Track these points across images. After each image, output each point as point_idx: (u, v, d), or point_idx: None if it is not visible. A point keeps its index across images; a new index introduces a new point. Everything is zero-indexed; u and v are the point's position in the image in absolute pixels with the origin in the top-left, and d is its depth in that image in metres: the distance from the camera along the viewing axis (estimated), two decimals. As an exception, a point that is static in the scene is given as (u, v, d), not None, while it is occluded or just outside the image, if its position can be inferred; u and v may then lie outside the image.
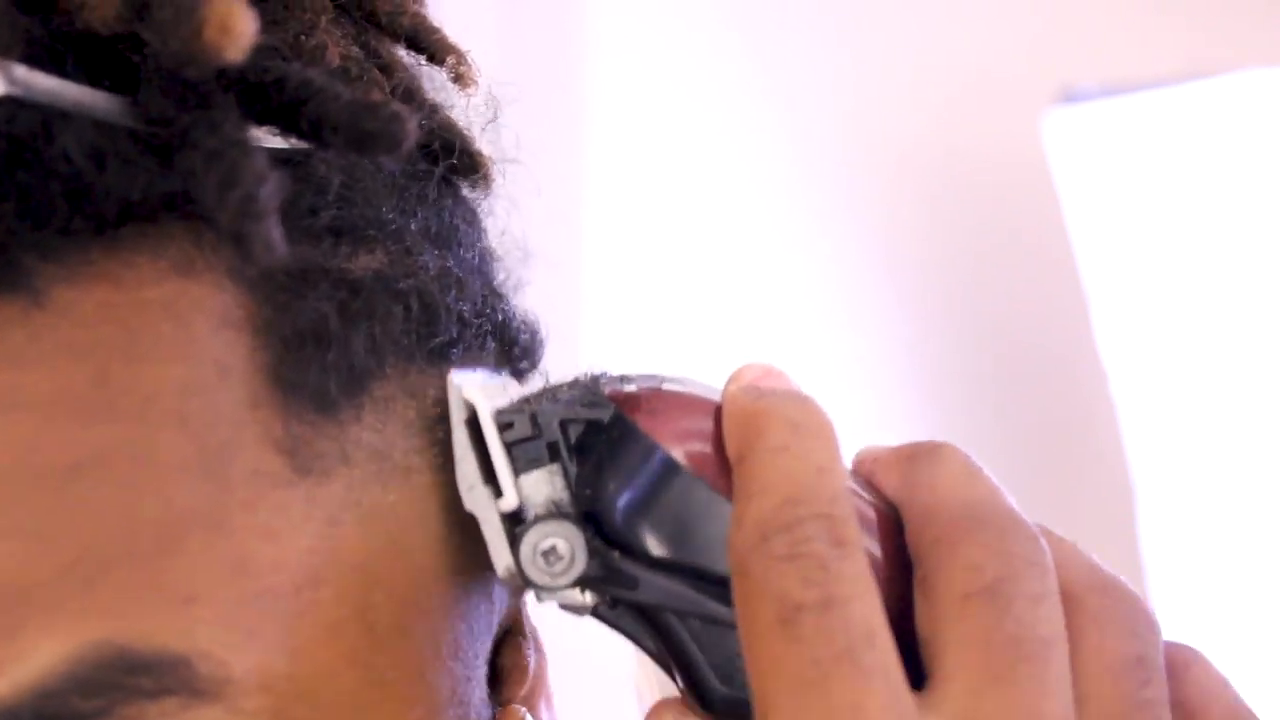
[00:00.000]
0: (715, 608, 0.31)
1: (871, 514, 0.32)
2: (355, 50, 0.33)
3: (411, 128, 0.28)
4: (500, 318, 0.35)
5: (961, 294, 1.51)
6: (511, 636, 0.35)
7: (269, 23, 0.30)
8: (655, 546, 0.31)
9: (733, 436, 0.31)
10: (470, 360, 0.34)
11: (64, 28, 0.28)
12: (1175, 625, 1.37)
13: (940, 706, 0.28)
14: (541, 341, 0.38)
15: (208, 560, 0.27)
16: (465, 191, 0.37)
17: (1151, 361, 1.39)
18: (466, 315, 0.33)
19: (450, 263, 0.34)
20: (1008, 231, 1.50)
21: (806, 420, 0.31)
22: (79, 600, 0.26)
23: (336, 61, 0.32)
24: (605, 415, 0.32)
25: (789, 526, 0.28)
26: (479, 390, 0.32)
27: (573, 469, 0.31)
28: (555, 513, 0.31)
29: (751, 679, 0.28)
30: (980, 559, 0.29)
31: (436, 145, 0.34)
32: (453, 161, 0.35)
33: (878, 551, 0.31)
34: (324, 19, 0.32)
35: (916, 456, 0.32)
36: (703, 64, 1.42)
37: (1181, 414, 1.39)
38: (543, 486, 0.31)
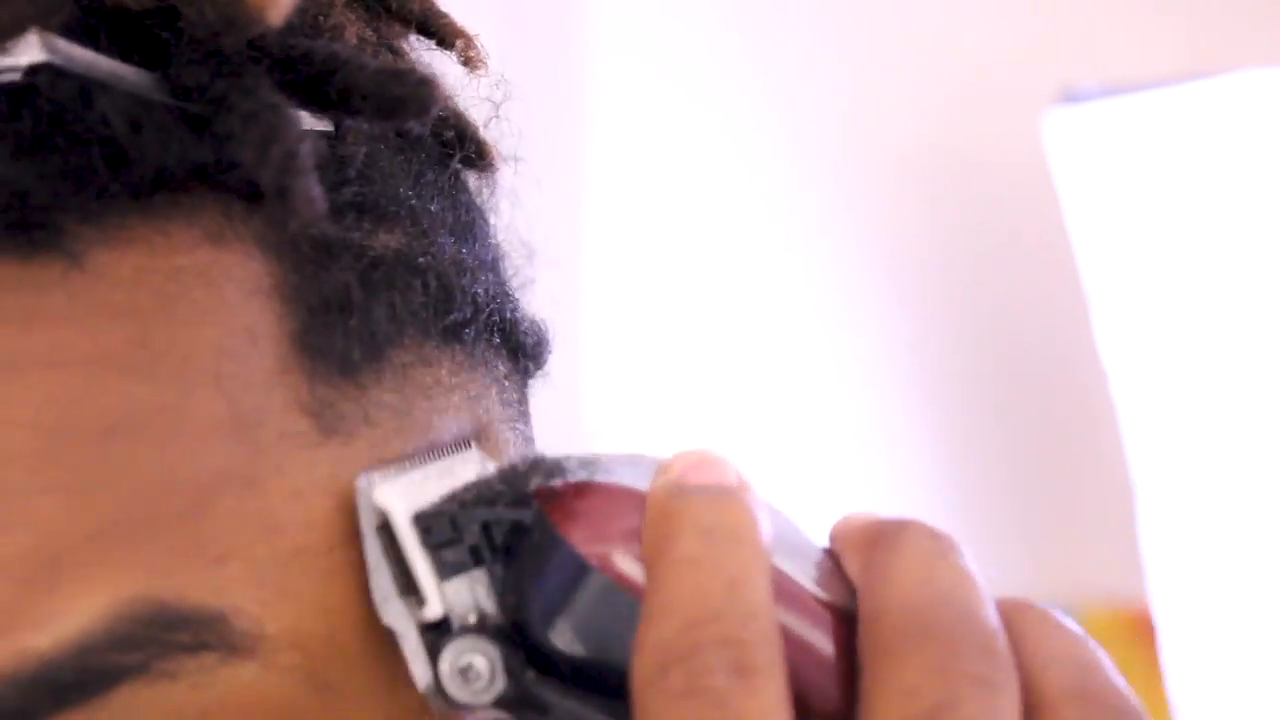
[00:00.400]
0: None
1: (825, 613, 0.29)
2: (369, 33, 0.33)
3: (439, 93, 0.28)
4: (509, 316, 0.36)
5: (961, 294, 1.51)
6: None
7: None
8: (575, 665, 0.29)
9: (646, 542, 0.28)
10: (479, 347, 0.34)
11: (95, 3, 0.28)
12: (1175, 625, 1.38)
13: None
14: (549, 345, 0.38)
15: (240, 519, 0.27)
16: (474, 186, 0.37)
17: (1151, 361, 1.39)
18: (479, 301, 0.34)
19: (464, 252, 0.34)
20: (1008, 231, 1.51)
21: (722, 524, 0.28)
22: (118, 556, 0.26)
23: (354, 41, 0.32)
24: (528, 516, 0.29)
25: (688, 655, 0.26)
26: (394, 493, 0.29)
27: (499, 572, 0.29)
28: (478, 625, 0.29)
29: None
30: (918, 682, 0.26)
31: (450, 133, 0.35)
32: (466, 153, 0.35)
33: (829, 650, 0.28)
34: (339, 2, 0.32)
35: (878, 542, 0.29)
36: (703, 64, 1.42)
37: (1181, 414, 1.39)
38: (465, 594, 0.29)
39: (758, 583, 0.27)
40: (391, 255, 0.31)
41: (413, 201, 0.32)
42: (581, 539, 0.29)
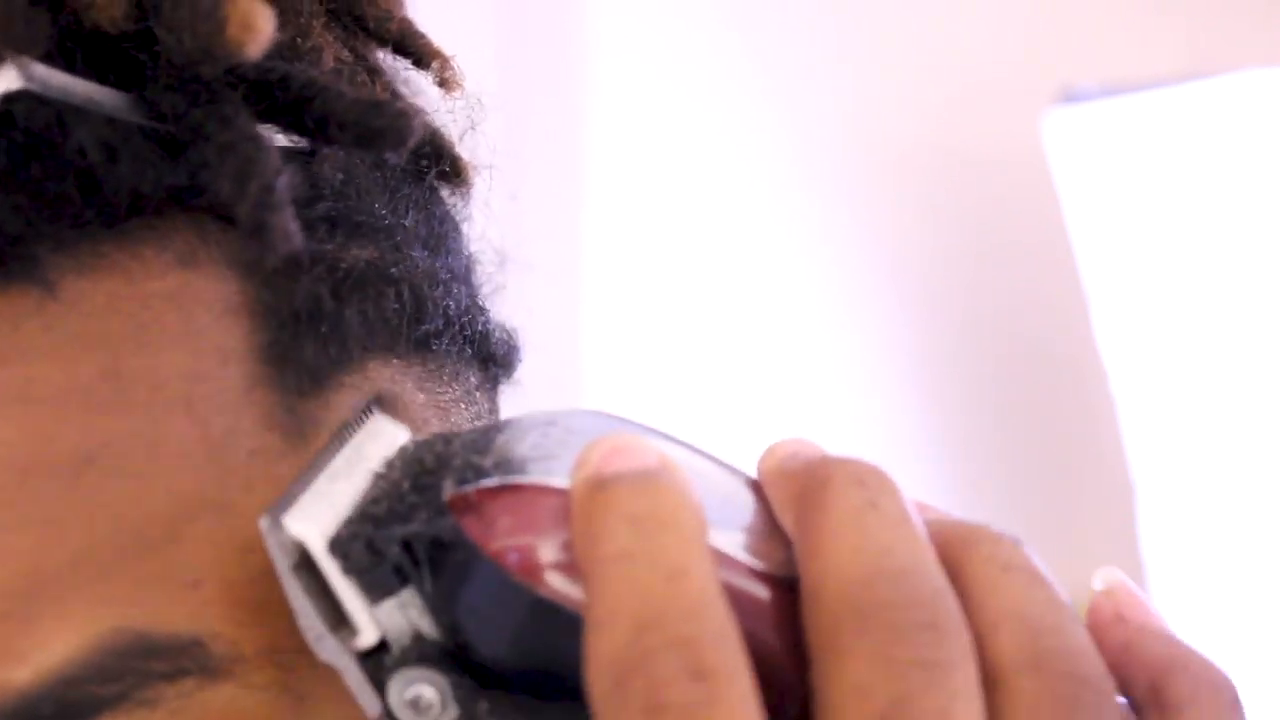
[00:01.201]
0: None
1: (769, 591, 0.27)
2: (346, 54, 0.33)
3: (417, 124, 0.29)
4: (481, 328, 0.36)
5: (962, 293, 1.51)
6: None
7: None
8: (525, 676, 0.27)
9: (576, 544, 0.26)
10: (450, 358, 0.34)
11: (71, 26, 0.28)
12: (1176, 625, 1.37)
13: None
14: (519, 353, 0.38)
15: (214, 543, 0.28)
16: (447, 198, 0.38)
17: (1151, 361, 1.39)
18: (451, 314, 0.34)
19: (438, 265, 0.34)
20: (1008, 231, 1.51)
21: (652, 509, 0.25)
22: (94, 588, 0.26)
23: (331, 64, 0.32)
24: (446, 531, 0.27)
25: (641, 665, 0.24)
26: (305, 518, 0.27)
27: (429, 589, 0.27)
28: (417, 649, 0.27)
29: None
30: (867, 678, 0.24)
31: (427, 149, 0.35)
32: (441, 168, 0.36)
33: (779, 635, 0.26)
34: (318, 23, 0.32)
35: (807, 496, 0.27)
36: (703, 65, 1.42)
37: (1181, 413, 1.39)
38: (398, 616, 0.27)
39: (699, 570, 0.25)
40: (364, 266, 0.31)
41: (386, 216, 0.33)
42: (508, 555, 0.26)
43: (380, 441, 0.30)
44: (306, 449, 0.29)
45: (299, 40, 0.31)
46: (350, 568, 0.27)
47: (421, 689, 0.27)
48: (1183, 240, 1.39)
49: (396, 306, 0.32)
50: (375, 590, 0.27)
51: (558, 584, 0.26)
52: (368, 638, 0.27)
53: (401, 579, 0.27)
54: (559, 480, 0.27)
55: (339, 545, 0.27)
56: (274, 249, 0.27)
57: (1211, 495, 1.38)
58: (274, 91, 0.29)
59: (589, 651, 0.24)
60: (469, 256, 0.37)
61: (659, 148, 1.38)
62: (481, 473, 0.27)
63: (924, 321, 1.52)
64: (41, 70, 0.27)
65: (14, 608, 0.26)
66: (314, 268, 0.30)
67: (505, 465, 0.28)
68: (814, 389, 1.46)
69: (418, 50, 0.35)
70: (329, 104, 0.29)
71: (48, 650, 0.26)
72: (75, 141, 0.27)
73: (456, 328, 0.34)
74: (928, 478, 1.51)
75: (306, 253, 0.30)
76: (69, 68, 0.28)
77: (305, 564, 0.27)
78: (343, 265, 0.31)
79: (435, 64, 0.35)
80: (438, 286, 0.33)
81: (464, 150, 0.37)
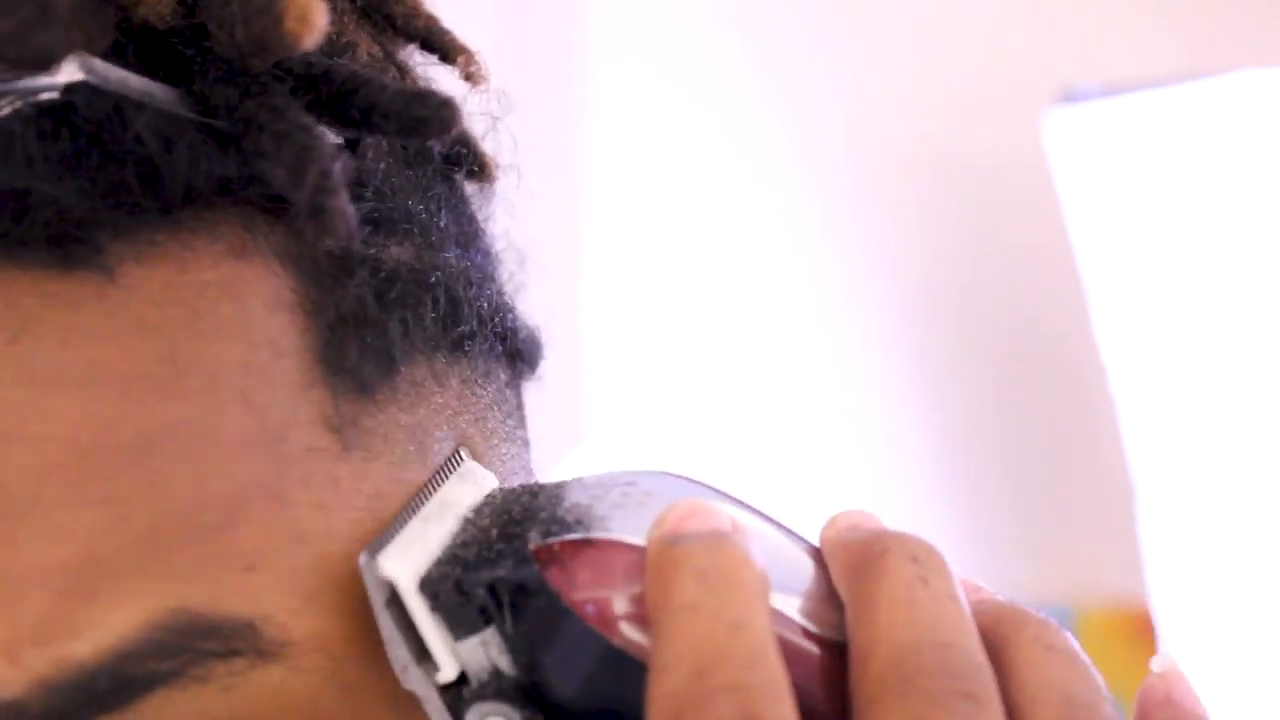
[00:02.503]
0: None
1: (820, 652, 0.29)
2: (376, 50, 0.34)
3: (459, 114, 0.29)
4: (509, 324, 0.37)
5: (962, 293, 1.52)
6: None
7: None
8: None
9: (648, 594, 0.29)
10: (482, 358, 0.35)
11: (121, 22, 0.29)
12: (1175, 625, 1.38)
13: None
14: (542, 349, 0.39)
15: (268, 530, 0.28)
16: (471, 195, 0.38)
17: (1151, 361, 1.40)
18: (484, 313, 0.35)
19: (469, 264, 0.35)
20: (1008, 231, 1.51)
21: (719, 567, 0.28)
22: (152, 569, 0.27)
23: (366, 59, 0.33)
24: (530, 580, 0.29)
25: (698, 705, 0.26)
26: (397, 558, 0.30)
27: (509, 630, 0.29)
28: (495, 683, 0.29)
29: None
30: (920, 712, 0.26)
31: (457, 147, 0.36)
32: (469, 166, 0.36)
33: (825, 691, 0.28)
34: (350, 20, 0.33)
35: (862, 566, 0.29)
36: (703, 67, 1.42)
37: (1181, 414, 1.39)
38: (479, 653, 0.29)
39: (759, 625, 0.27)
40: (404, 270, 0.32)
41: (422, 215, 0.33)
42: (586, 605, 0.29)
43: (469, 486, 0.32)
44: (362, 457, 0.30)
45: (336, 37, 0.32)
46: (438, 606, 0.29)
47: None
48: (1183, 240, 1.39)
49: (434, 313, 0.32)
50: (459, 628, 0.29)
51: (629, 634, 0.28)
52: (448, 673, 0.29)
53: (485, 619, 0.29)
54: (636, 538, 0.29)
55: (429, 585, 0.29)
56: (334, 232, 0.27)
57: (1211, 495, 1.38)
58: (318, 84, 0.29)
59: (650, 692, 0.26)
60: (495, 254, 0.38)
61: (659, 148, 1.39)
62: (565, 527, 0.30)
63: (924, 321, 1.52)
64: (99, 64, 0.27)
65: (75, 585, 0.27)
66: (358, 269, 0.31)
67: (587, 521, 0.30)
68: (814, 388, 1.46)
69: (444, 46, 0.35)
70: (373, 95, 0.29)
71: (106, 627, 0.27)
72: (133, 131, 0.28)
73: (489, 327, 0.35)
74: (928, 477, 1.51)
75: (351, 253, 0.31)
76: (122, 62, 0.28)
77: (396, 600, 0.29)
78: (384, 267, 0.31)
79: (461, 59, 0.35)
80: (471, 286, 0.34)
81: (486, 147, 0.38)
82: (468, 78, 0.35)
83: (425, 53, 0.35)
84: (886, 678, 0.27)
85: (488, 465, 0.34)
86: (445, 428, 0.33)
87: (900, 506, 1.48)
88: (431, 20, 0.35)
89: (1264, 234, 1.36)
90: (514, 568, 0.29)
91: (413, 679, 0.29)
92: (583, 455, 1.24)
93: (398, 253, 0.32)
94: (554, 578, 0.29)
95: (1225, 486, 1.37)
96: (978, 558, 1.47)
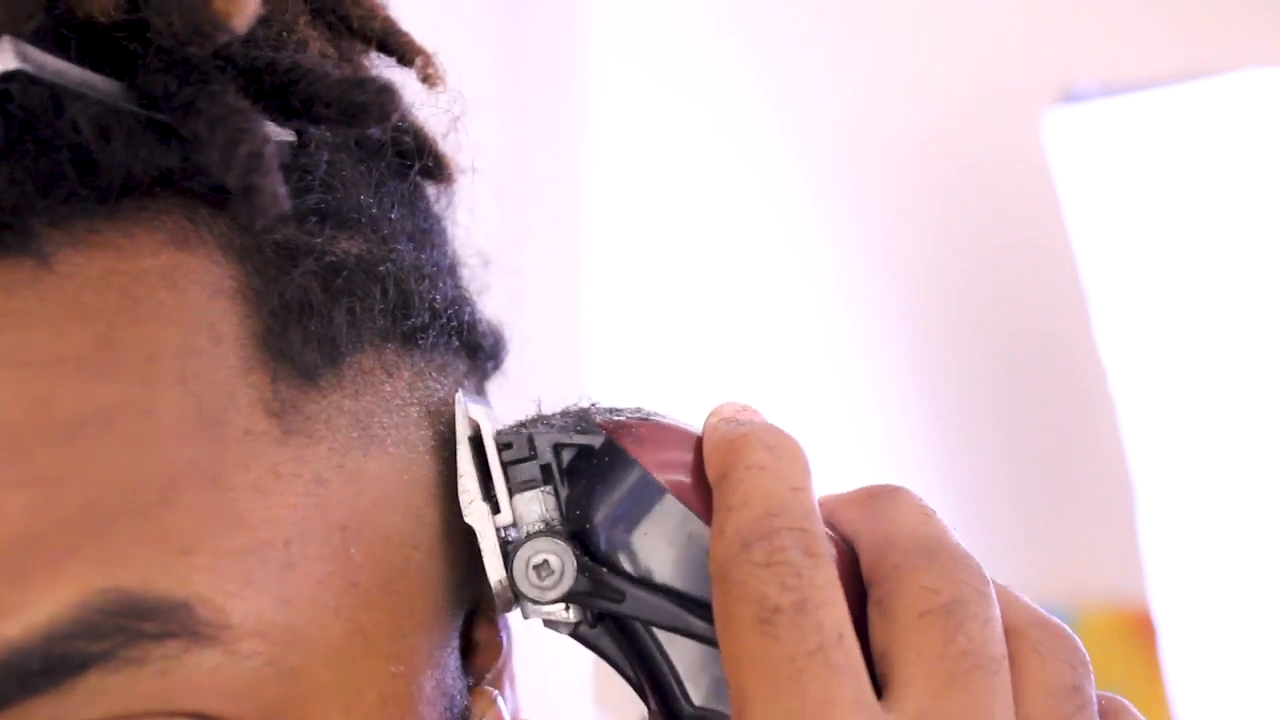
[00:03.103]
0: (695, 622, 0.32)
1: (831, 547, 0.33)
2: (330, 51, 0.34)
3: (399, 101, 0.30)
4: (466, 319, 0.37)
5: (962, 293, 1.52)
6: (482, 615, 0.36)
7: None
8: (640, 566, 0.33)
9: (713, 460, 0.33)
10: (438, 351, 0.35)
11: (65, 16, 0.29)
12: (1175, 625, 1.38)
13: (900, 706, 0.30)
14: (506, 346, 0.40)
15: (205, 513, 0.28)
16: (432, 196, 0.38)
17: (1151, 360, 1.40)
18: (437, 307, 0.35)
19: (424, 258, 0.35)
20: (1008, 231, 1.51)
21: (782, 445, 0.33)
22: (85, 549, 0.27)
23: (317, 56, 0.33)
24: (596, 441, 0.34)
25: (767, 536, 0.31)
26: (483, 412, 0.34)
27: (564, 491, 0.34)
28: (547, 530, 0.33)
29: (729, 675, 0.30)
30: (935, 583, 0.32)
31: (410, 145, 0.36)
32: (425, 164, 0.36)
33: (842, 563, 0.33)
34: (303, 20, 0.33)
35: (876, 495, 0.35)
36: (703, 68, 1.42)
37: (1181, 414, 1.39)
38: (535, 506, 0.33)
39: (812, 492, 0.32)
40: (352, 260, 0.32)
41: (373, 209, 0.34)
42: (649, 462, 0.33)
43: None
44: (302, 443, 0.30)
45: (284, 34, 0.32)
46: (509, 457, 0.33)
47: (547, 555, 0.33)
48: (1183, 240, 1.39)
49: (383, 304, 0.33)
50: (521, 481, 0.34)
51: (689, 496, 0.33)
52: (505, 517, 0.33)
53: (545, 476, 0.34)
54: (690, 427, 0.35)
55: (502, 436, 0.34)
56: (263, 211, 0.27)
57: (1211, 495, 1.38)
58: (261, 76, 0.30)
59: (719, 527, 0.31)
60: (453, 252, 0.38)
61: (659, 148, 1.39)
62: (625, 412, 0.35)
63: (924, 320, 1.52)
64: (35, 52, 0.27)
65: (6, 564, 0.27)
66: (304, 259, 0.31)
67: (641, 412, 0.35)
68: (814, 388, 1.46)
69: (400, 48, 0.36)
70: (314, 84, 0.30)
71: (38, 606, 0.27)
72: (69, 120, 0.28)
73: (443, 320, 0.35)
74: (928, 477, 1.51)
75: (297, 242, 0.31)
76: (64, 55, 0.28)
77: (476, 441, 0.34)
78: (331, 258, 0.32)
79: (418, 61, 0.35)
80: (423, 280, 0.34)
81: (450, 149, 0.38)
82: (425, 79, 0.35)
83: (382, 54, 0.36)
84: (915, 550, 0.32)
85: (441, 458, 0.35)
86: (394, 415, 0.33)
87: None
88: (388, 22, 0.35)
89: (1264, 234, 1.36)
90: (581, 432, 0.34)
91: (476, 513, 0.33)
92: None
93: (347, 245, 0.32)
94: (620, 439, 0.34)
95: (1225, 486, 1.37)
96: (978, 558, 1.46)
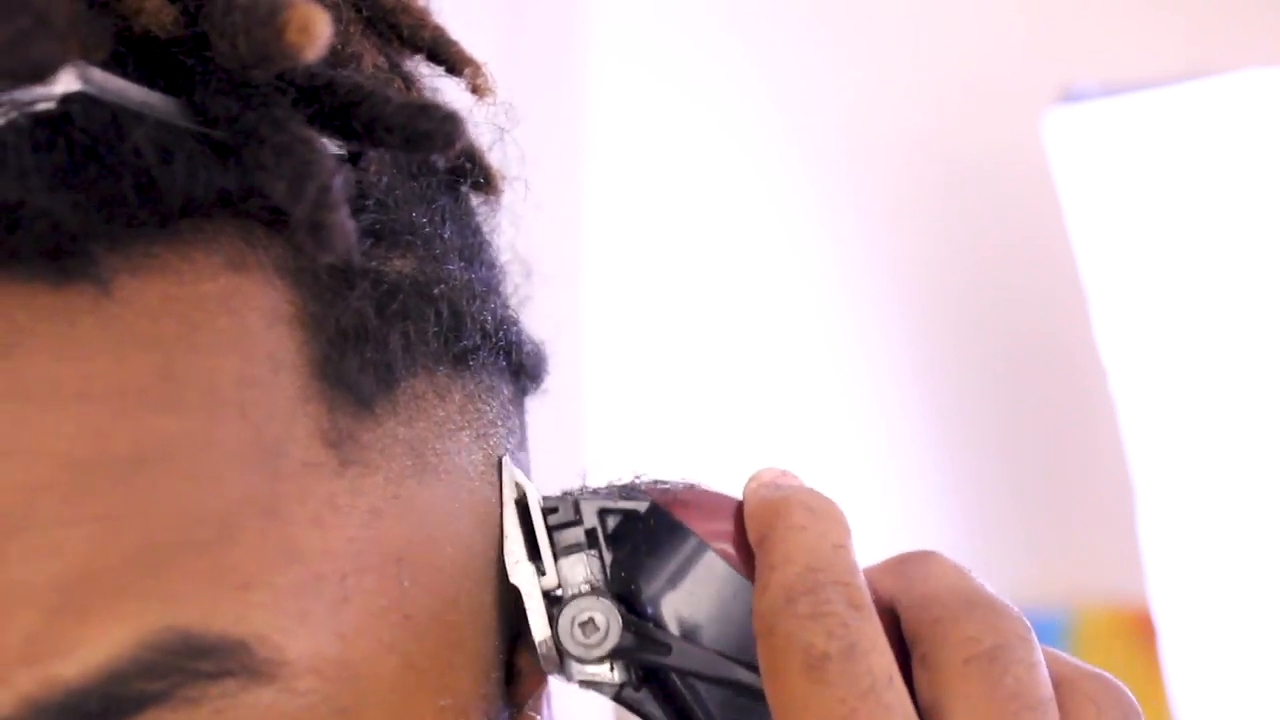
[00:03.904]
0: (742, 673, 0.33)
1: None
2: (382, 61, 0.34)
3: (464, 128, 0.29)
4: (514, 339, 0.36)
5: (962, 293, 1.52)
6: (524, 641, 0.36)
7: None
8: (684, 624, 0.34)
9: (754, 522, 0.34)
10: (486, 372, 0.35)
11: (122, 31, 0.29)
12: (1175, 625, 1.38)
13: None
14: (546, 364, 0.39)
15: (263, 548, 0.28)
16: (477, 207, 0.38)
17: (1151, 361, 1.40)
18: (488, 327, 0.34)
19: (473, 277, 0.35)
20: (1008, 231, 1.51)
21: (823, 507, 0.34)
22: (144, 586, 0.27)
23: (370, 71, 0.33)
24: (641, 506, 0.35)
25: (812, 590, 0.31)
26: (522, 476, 0.35)
27: (609, 555, 0.34)
28: (592, 591, 0.34)
29: None
30: (978, 632, 0.32)
31: (462, 159, 0.36)
32: (475, 178, 0.36)
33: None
34: (355, 30, 0.33)
35: (908, 560, 0.35)
36: (702, 66, 1.42)
37: (1181, 414, 1.39)
38: (580, 569, 0.34)
39: (852, 550, 0.33)
40: (407, 283, 0.32)
41: (425, 227, 0.33)
42: (693, 524, 0.34)
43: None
44: (358, 473, 0.30)
45: (340, 48, 0.31)
46: (554, 521, 0.34)
47: (592, 613, 0.33)
48: (1183, 240, 1.39)
49: (436, 327, 0.32)
50: (566, 545, 0.34)
51: (727, 553, 0.34)
52: (550, 580, 0.34)
53: (590, 541, 0.34)
54: (727, 494, 0.36)
55: (549, 500, 0.35)
56: (332, 248, 0.27)
57: (1211, 495, 1.38)
58: (321, 96, 0.29)
59: (763, 584, 0.32)
60: (499, 267, 0.38)
61: (659, 148, 1.38)
62: (667, 483, 0.36)
63: (924, 321, 1.52)
64: (98, 74, 0.27)
65: (66, 602, 0.26)
66: (360, 282, 0.31)
67: (686, 480, 0.36)
68: (814, 388, 1.46)
69: (450, 58, 0.35)
70: (377, 108, 0.29)
71: (97, 646, 0.26)
72: (131, 143, 0.27)
73: (494, 341, 0.35)
74: (928, 477, 1.51)
75: (351, 266, 0.30)
76: (122, 72, 0.28)
77: (522, 504, 0.34)
78: (386, 280, 0.31)
79: (468, 71, 0.35)
80: (474, 300, 0.34)
81: (492, 159, 0.37)
82: (474, 90, 0.35)
83: (432, 64, 0.35)
84: (955, 603, 0.33)
85: (489, 482, 0.34)
86: (446, 441, 0.32)
87: (901, 507, 1.48)
88: (438, 31, 0.35)
89: (1264, 234, 1.36)
90: (626, 499, 0.35)
91: (521, 573, 0.34)
92: (583, 470, 1.24)
93: (400, 265, 0.32)
94: (665, 504, 0.35)
95: (1225, 487, 1.37)
96: (978, 557, 1.46)
